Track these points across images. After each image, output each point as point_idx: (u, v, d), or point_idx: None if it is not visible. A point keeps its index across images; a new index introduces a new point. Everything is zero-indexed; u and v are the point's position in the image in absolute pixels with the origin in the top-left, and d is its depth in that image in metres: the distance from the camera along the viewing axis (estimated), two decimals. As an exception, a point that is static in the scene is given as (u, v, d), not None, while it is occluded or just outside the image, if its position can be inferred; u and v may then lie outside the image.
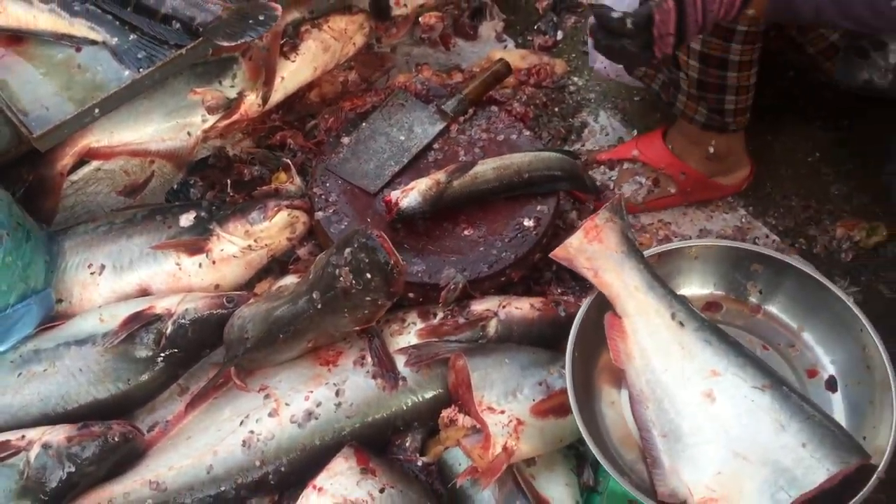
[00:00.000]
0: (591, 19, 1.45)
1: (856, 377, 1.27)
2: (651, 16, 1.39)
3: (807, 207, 1.97)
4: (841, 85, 1.67)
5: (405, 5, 2.15)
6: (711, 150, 1.83)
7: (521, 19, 2.37)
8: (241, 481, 1.52)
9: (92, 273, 1.74)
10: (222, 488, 1.52)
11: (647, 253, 1.31)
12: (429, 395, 1.57)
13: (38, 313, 1.66)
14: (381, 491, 1.45)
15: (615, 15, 1.42)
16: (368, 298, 1.54)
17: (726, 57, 1.59)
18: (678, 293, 1.29)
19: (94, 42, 1.76)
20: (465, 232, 1.75)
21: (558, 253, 1.26)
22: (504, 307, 1.63)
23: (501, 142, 1.88)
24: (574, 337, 1.27)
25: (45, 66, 1.76)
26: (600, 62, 1.94)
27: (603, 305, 1.28)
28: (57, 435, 1.50)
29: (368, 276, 1.50)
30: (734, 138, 1.83)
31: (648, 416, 1.21)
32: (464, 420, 1.49)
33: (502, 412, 1.44)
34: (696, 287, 1.40)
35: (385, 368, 1.56)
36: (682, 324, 1.23)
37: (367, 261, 1.50)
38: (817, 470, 1.13)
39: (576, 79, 2.22)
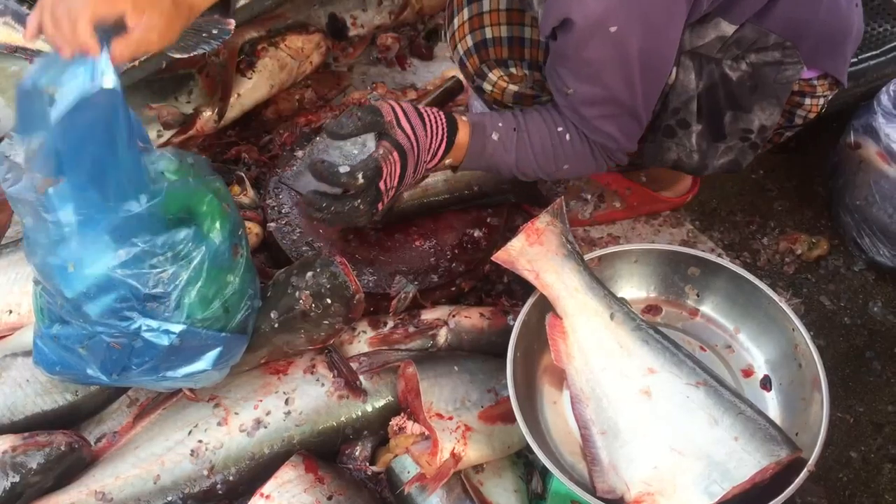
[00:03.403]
0: (306, 189, 1.30)
1: (788, 376, 1.30)
2: (380, 168, 1.30)
3: (751, 222, 2.02)
4: (649, 164, 1.65)
5: (362, 26, 2.19)
6: (644, 178, 1.86)
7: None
8: (188, 491, 1.50)
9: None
10: (169, 498, 1.49)
11: (587, 256, 1.33)
12: (379, 403, 1.57)
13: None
14: (329, 498, 1.44)
15: (342, 170, 1.30)
16: (326, 322, 1.54)
17: None
18: (618, 296, 1.31)
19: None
20: (417, 243, 1.77)
21: (500, 255, 1.27)
22: (454, 316, 1.64)
23: (453, 156, 1.91)
24: (515, 338, 1.29)
25: (-3, 77, 1.77)
26: None
27: (544, 308, 1.30)
28: (1, 445, 1.48)
29: (329, 301, 1.51)
30: None
31: (588, 415, 1.23)
32: (413, 427, 1.50)
33: (450, 418, 1.45)
34: (636, 290, 1.43)
35: (348, 380, 1.56)
36: (620, 324, 1.26)
37: (328, 286, 1.51)
38: (749, 463, 1.15)
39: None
